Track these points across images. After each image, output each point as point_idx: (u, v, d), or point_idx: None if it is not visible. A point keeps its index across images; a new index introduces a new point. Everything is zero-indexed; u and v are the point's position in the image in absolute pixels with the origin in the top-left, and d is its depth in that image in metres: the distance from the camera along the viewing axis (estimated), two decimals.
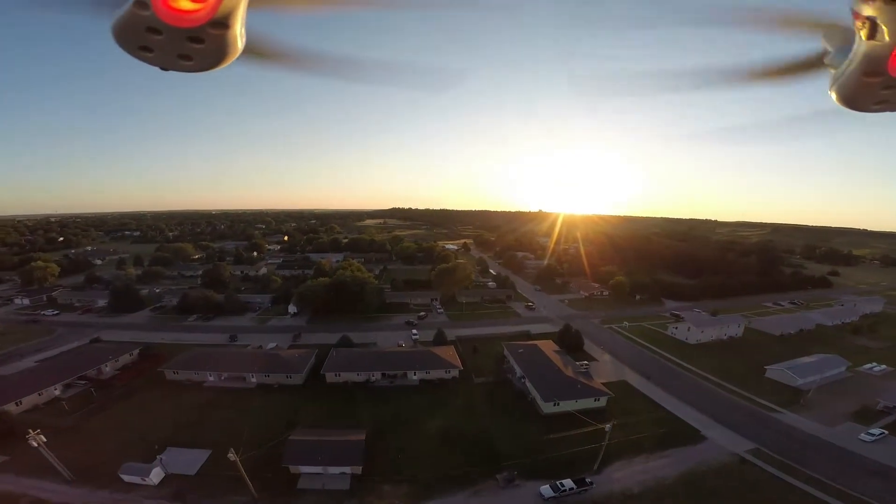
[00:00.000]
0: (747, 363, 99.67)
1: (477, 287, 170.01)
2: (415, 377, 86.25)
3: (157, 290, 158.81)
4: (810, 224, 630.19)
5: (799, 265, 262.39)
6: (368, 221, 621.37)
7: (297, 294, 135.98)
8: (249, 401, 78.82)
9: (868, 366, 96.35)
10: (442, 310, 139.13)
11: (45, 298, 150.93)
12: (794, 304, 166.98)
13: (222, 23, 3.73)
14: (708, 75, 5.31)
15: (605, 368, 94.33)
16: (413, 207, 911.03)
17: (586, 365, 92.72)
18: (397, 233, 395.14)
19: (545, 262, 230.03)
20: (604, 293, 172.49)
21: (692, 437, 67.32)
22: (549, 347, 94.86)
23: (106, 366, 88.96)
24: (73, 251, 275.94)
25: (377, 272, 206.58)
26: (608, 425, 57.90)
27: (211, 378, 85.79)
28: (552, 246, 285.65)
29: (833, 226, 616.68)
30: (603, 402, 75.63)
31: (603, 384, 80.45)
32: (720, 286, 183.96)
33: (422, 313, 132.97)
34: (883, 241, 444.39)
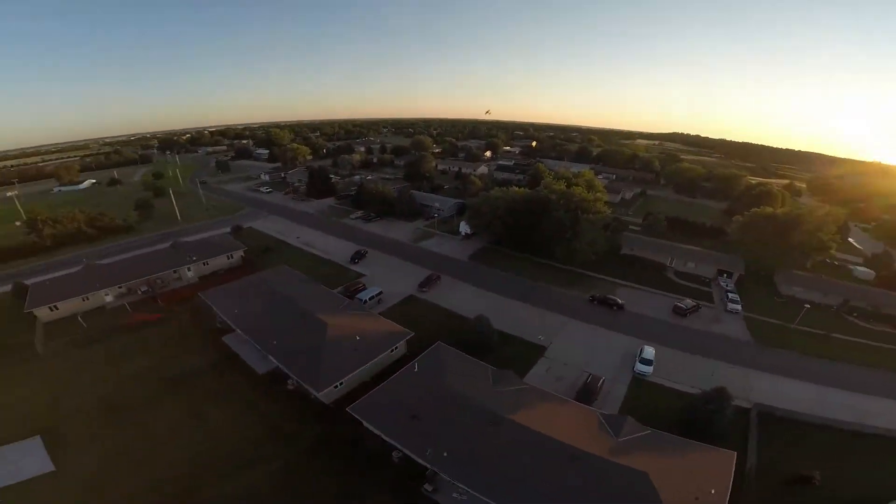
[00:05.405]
0: None
1: (832, 268, 78.10)
2: None
3: (357, 178, 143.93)
4: None
5: None
6: (640, 142, 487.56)
7: (470, 207, 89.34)
8: None
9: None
10: (738, 303, 61.48)
11: (282, 176, 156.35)
12: None
13: None
14: None
15: None
16: (702, 135, 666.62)
17: None
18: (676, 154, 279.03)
19: None
20: None
21: None
22: None
23: (189, 269, 67.78)
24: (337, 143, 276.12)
25: (628, 196, 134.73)
26: None
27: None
28: None
29: None
30: None
31: None
32: None
33: (690, 303, 60.60)
34: None
